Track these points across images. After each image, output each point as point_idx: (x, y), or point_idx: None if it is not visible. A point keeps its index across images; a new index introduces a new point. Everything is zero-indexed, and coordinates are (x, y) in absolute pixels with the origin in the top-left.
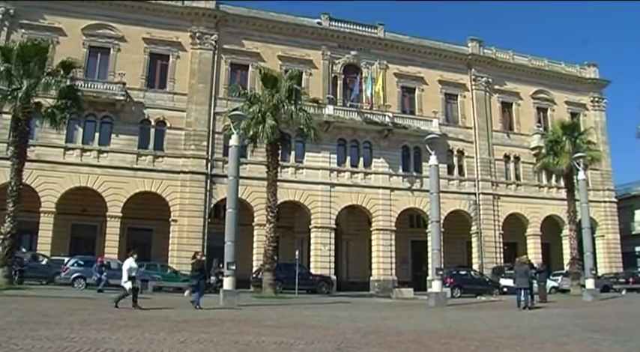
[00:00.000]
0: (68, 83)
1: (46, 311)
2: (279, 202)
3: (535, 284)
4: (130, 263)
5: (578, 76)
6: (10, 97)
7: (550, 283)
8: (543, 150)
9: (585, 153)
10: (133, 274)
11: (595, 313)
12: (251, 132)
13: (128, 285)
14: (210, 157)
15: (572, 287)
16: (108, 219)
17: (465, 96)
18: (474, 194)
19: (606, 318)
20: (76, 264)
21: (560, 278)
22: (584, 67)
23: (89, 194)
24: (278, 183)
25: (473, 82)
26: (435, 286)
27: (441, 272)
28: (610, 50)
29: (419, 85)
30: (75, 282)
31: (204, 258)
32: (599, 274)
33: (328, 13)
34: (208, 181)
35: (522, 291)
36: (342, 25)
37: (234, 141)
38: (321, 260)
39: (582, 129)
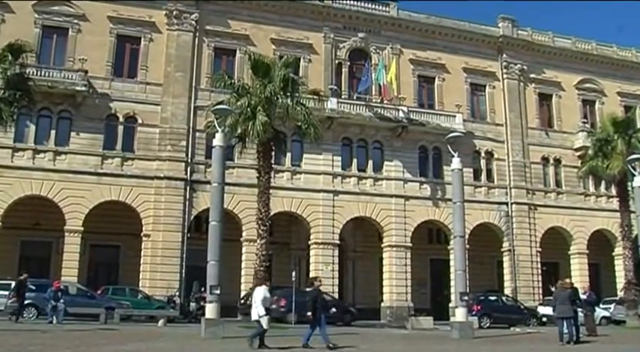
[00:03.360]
0: (17, 71)
1: None
2: (272, 213)
3: (581, 314)
4: (263, 292)
5: (633, 61)
6: None
7: (600, 312)
8: (590, 152)
9: None
10: (269, 305)
11: None
12: (239, 130)
13: (265, 321)
14: (190, 160)
15: (628, 317)
16: (66, 234)
17: (494, 87)
18: (506, 204)
19: None
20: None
21: (612, 306)
22: None
23: (43, 204)
24: (271, 191)
25: (504, 70)
26: (460, 314)
27: (466, 298)
28: None
29: (439, 73)
30: (24, 311)
31: (320, 282)
32: None
33: None
34: (188, 188)
35: (565, 322)
36: (348, 2)
37: (218, 140)
38: (322, 283)
39: (638, 125)
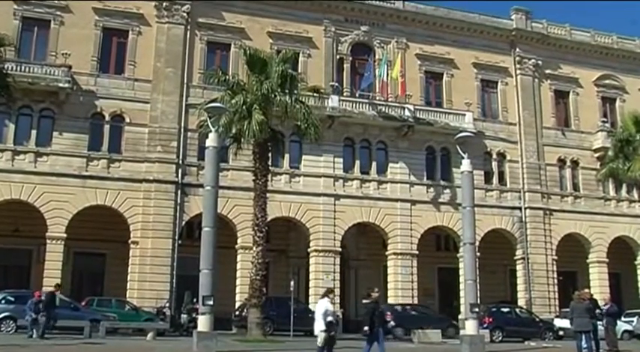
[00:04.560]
0: None
1: None
2: (269, 219)
3: (601, 327)
4: (325, 305)
5: None
6: None
7: (621, 325)
8: (610, 153)
9: None
10: (330, 319)
11: None
12: (234, 130)
13: (323, 337)
14: (181, 162)
15: None
16: (48, 241)
17: (506, 84)
18: (519, 209)
19: None
20: (4, 301)
21: (635, 319)
22: None
23: (23, 209)
24: (268, 195)
25: (517, 65)
26: (470, 327)
27: (477, 310)
28: None
29: (448, 69)
30: (2, 324)
31: (377, 293)
32: None
33: None
34: (179, 192)
35: (583, 336)
36: None
37: (212, 141)
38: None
39: None
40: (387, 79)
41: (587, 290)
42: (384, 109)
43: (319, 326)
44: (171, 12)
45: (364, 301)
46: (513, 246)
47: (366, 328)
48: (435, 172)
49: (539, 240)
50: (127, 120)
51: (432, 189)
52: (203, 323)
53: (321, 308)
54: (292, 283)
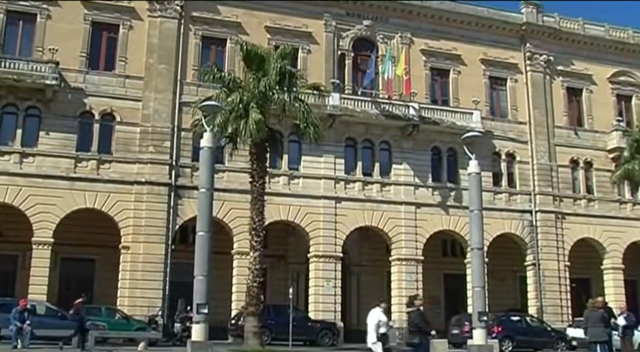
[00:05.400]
0: None
1: None
2: (267, 223)
3: (616, 337)
4: (377, 315)
5: None
6: None
7: (638, 336)
8: (626, 153)
9: None
10: (383, 330)
11: None
12: (230, 129)
13: (377, 349)
14: (174, 163)
15: None
16: (34, 246)
17: (516, 81)
18: (530, 212)
19: None
20: None
21: None
22: None
23: (8, 212)
24: (266, 198)
25: (528, 61)
26: (478, 336)
27: (485, 318)
28: None
29: (454, 65)
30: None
31: (422, 300)
32: None
33: None
34: (172, 195)
35: (598, 347)
36: None
37: (206, 141)
38: (323, 300)
39: None
40: (391, 75)
41: (601, 298)
42: (387, 108)
43: (371, 339)
44: (163, 5)
45: (408, 310)
46: (523, 251)
47: (416, 340)
48: (441, 174)
49: (551, 245)
50: (118, 119)
51: (437, 192)
52: (197, 332)
53: (374, 318)
54: (291, 290)
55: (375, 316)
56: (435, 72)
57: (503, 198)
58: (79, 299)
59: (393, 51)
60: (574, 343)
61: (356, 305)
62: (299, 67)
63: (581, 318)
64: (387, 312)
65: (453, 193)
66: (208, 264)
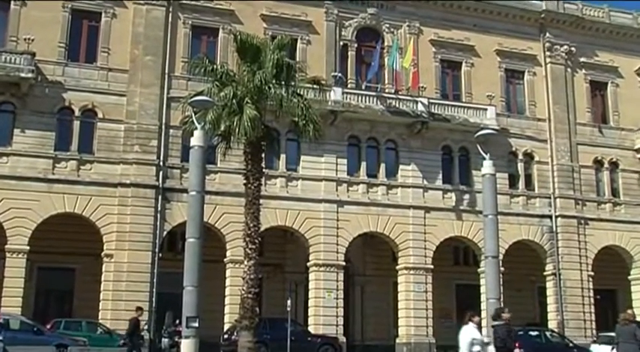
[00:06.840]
0: None
1: None
2: (263, 228)
3: None
4: (471, 332)
5: None
6: None
7: None
8: None
9: None
10: (478, 349)
11: None
12: (222, 127)
13: None
14: (162, 163)
15: None
16: (8, 254)
17: (535, 74)
18: (550, 217)
19: None
20: None
21: None
22: None
23: None
24: (262, 201)
25: (547, 53)
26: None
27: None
28: None
29: (467, 57)
30: None
31: (509, 314)
32: None
33: None
34: (159, 198)
35: None
36: None
37: (197, 139)
38: (324, 313)
39: None
40: (398, 68)
41: (630, 312)
42: (394, 103)
43: None
44: None
45: (494, 323)
46: (542, 259)
47: None
48: (452, 175)
49: (573, 253)
50: (100, 115)
51: (448, 195)
52: (187, 347)
53: (467, 336)
54: (289, 302)
55: (467, 334)
56: (446, 64)
57: (521, 201)
58: (136, 314)
59: (400, 41)
60: None
61: (360, 319)
62: (298, 59)
63: (607, 334)
64: (480, 327)
65: (465, 196)
66: (199, 274)
